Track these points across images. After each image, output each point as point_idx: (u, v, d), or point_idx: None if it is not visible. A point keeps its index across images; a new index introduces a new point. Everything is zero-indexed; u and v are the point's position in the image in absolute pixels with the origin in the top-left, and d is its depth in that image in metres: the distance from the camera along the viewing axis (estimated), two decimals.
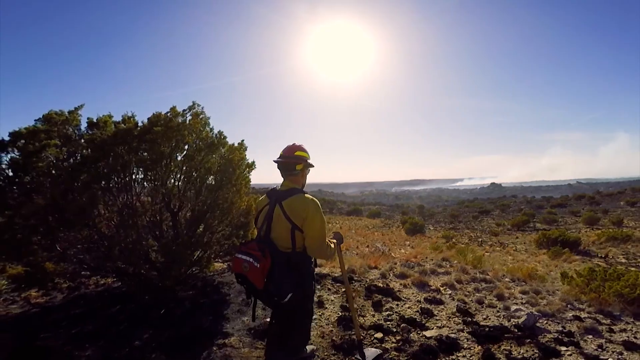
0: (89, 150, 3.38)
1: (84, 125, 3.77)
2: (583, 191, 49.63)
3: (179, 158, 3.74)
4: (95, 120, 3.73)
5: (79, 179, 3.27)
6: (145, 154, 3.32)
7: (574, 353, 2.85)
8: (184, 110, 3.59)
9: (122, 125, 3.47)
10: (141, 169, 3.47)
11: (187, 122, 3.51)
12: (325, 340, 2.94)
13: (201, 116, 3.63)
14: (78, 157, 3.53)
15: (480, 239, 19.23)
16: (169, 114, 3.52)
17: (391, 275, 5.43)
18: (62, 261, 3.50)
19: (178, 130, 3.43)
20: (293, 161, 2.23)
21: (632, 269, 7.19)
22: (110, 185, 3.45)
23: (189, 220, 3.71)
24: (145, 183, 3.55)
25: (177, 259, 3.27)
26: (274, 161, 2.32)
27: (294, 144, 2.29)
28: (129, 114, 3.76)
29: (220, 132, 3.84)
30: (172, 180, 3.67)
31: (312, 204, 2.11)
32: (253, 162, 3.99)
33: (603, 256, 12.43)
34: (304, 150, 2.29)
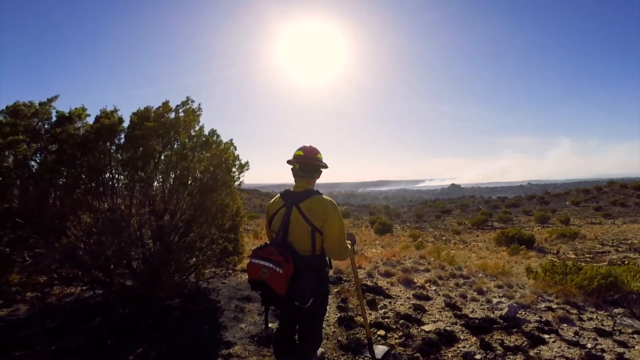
0: (67, 147, 3.12)
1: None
2: (533, 192, 54.57)
3: (163, 157, 3.58)
4: (67, 114, 3.45)
5: (57, 181, 3.02)
6: (137, 152, 3.13)
7: (557, 340, 3.20)
8: (177, 106, 3.44)
9: (107, 120, 3.24)
10: (127, 169, 3.27)
11: (181, 118, 3.37)
12: (331, 341, 3.00)
13: (197, 112, 3.49)
14: (50, 155, 3.26)
15: (444, 238, 20.43)
16: (160, 109, 3.36)
17: (376, 274, 5.62)
18: (33, 272, 3.20)
19: (172, 126, 3.29)
20: (317, 163, 2.25)
21: (582, 263, 8.09)
22: (91, 187, 3.21)
23: (180, 225, 3.56)
24: (132, 185, 3.34)
25: (173, 266, 3.13)
26: (290, 162, 2.33)
27: (311, 146, 2.31)
28: (109, 109, 3.53)
29: (213, 130, 3.73)
30: (162, 181, 3.50)
31: (331, 204, 2.12)
32: (247, 163, 3.91)
33: (555, 252, 13.82)
34: (320, 153, 2.33)
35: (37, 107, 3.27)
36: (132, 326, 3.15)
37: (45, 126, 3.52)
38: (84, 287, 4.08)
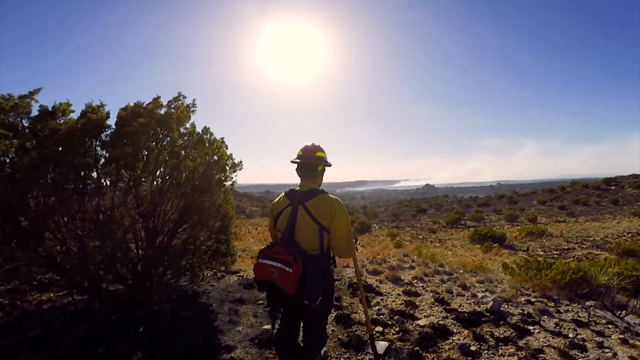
0: (51, 143, 2.98)
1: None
2: (503, 192, 57.52)
3: (154, 155, 3.48)
4: (50, 109, 3.29)
5: (40, 179, 2.87)
6: (128, 149, 3.02)
7: (541, 331, 3.47)
8: (169, 102, 3.36)
9: (94, 115, 3.11)
10: (117, 168, 3.15)
11: (173, 114, 3.29)
12: (332, 340, 3.06)
13: (192, 109, 3.42)
14: (31, 152, 3.09)
15: (421, 236, 21.14)
16: (150, 105, 3.27)
17: (365, 272, 5.76)
18: (10, 278, 3.03)
19: (164, 123, 3.21)
20: (314, 162, 2.28)
21: (551, 260, 8.69)
22: (79, 186, 3.08)
23: (170, 227, 3.48)
24: (121, 184, 3.22)
25: (169, 270, 3.06)
26: (292, 161, 2.35)
27: (312, 144, 2.34)
28: (95, 104, 3.39)
29: (206, 128, 3.66)
30: (153, 181, 3.40)
31: (337, 203, 2.18)
32: (240, 162, 3.87)
33: (525, 249, 14.73)
34: (322, 151, 2.35)
35: (17, 101, 3.09)
36: (122, 333, 3.04)
37: (23, 122, 3.33)
38: (60, 293, 3.90)
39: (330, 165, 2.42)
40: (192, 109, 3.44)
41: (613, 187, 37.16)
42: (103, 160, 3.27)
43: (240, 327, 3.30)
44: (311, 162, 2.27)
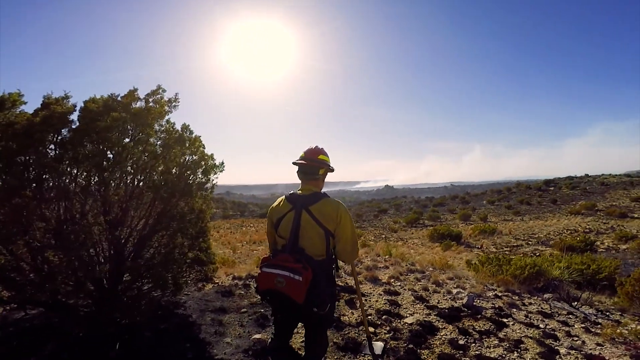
0: (4, 139, 2.64)
1: None
2: (456, 192, 61.51)
3: (127, 154, 3.21)
4: None
5: None
6: (99, 147, 2.76)
7: (515, 322, 3.78)
8: (146, 95, 3.12)
9: (59, 107, 2.80)
10: (85, 169, 2.87)
11: (153, 109, 3.06)
12: (329, 344, 3.06)
13: (174, 104, 3.21)
14: None
15: (383, 236, 21.88)
16: (125, 99, 3.02)
17: (343, 274, 5.83)
18: None
19: (141, 118, 2.98)
20: (317, 164, 2.26)
21: (508, 256, 9.46)
22: (39, 189, 2.75)
23: (146, 235, 3.23)
24: (90, 188, 2.93)
25: (152, 282, 2.84)
26: (294, 163, 2.32)
27: (316, 147, 2.32)
28: (56, 95, 3.06)
29: (185, 125, 3.45)
30: (126, 184, 3.14)
31: (342, 206, 2.18)
32: (222, 163, 3.70)
33: (479, 247, 15.90)
34: (325, 154, 2.33)
35: None
36: (97, 351, 2.77)
37: None
38: (9, 307, 3.49)
39: (332, 170, 2.40)
40: (173, 103, 3.23)
41: (552, 188, 41.54)
42: (66, 159, 2.96)
43: (228, 338, 3.17)
44: (313, 164, 2.25)
